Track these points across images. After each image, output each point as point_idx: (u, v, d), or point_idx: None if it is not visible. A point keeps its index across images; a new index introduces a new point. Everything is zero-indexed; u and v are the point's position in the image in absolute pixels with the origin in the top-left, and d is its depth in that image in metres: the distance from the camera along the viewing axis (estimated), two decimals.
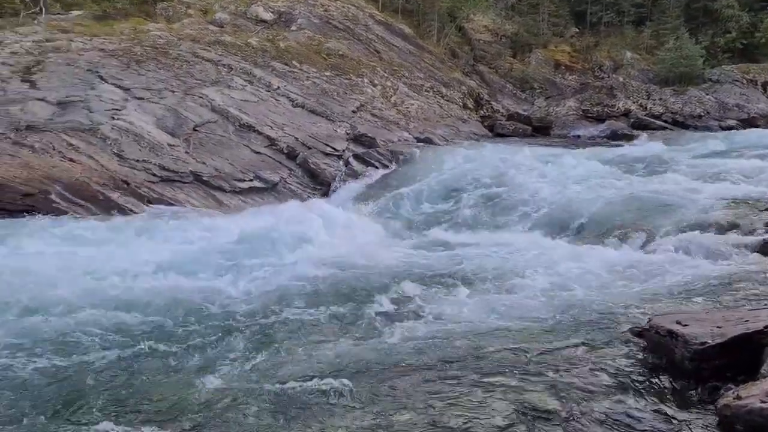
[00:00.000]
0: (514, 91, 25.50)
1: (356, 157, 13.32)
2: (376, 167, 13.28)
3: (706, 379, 3.79)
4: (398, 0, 26.76)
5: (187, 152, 11.78)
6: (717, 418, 3.38)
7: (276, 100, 14.43)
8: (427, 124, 17.16)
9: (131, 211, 10.32)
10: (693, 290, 5.79)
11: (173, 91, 13.14)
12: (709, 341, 3.82)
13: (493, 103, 22.99)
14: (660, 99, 25.33)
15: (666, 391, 3.88)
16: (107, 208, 10.25)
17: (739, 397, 3.20)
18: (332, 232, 9.09)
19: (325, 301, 6.14)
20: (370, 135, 14.24)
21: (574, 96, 25.66)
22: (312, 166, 12.58)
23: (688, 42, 26.96)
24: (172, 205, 10.76)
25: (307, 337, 5.29)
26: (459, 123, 18.84)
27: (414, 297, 6.18)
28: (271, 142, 12.78)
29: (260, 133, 12.88)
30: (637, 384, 3.98)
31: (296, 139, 13.06)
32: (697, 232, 7.66)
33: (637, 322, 4.86)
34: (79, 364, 4.80)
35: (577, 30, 31.16)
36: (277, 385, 4.28)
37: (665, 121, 23.84)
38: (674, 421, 3.53)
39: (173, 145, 11.78)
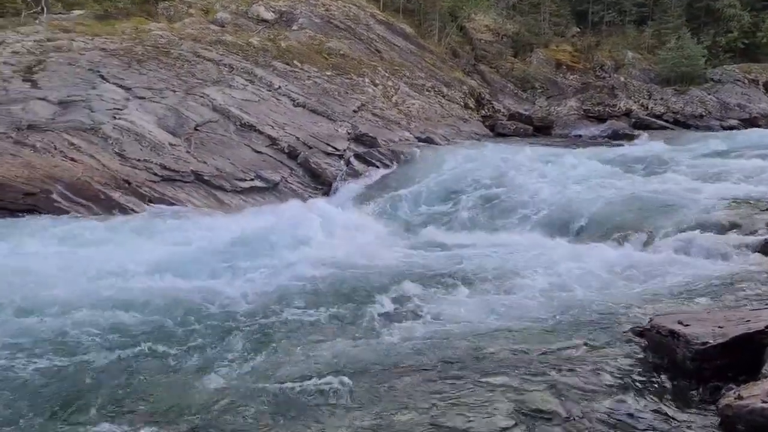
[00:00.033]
0: (516, 91, 25.48)
1: (357, 156, 13.32)
2: (377, 167, 13.26)
3: (708, 379, 3.79)
4: None
5: (188, 152, 11.79)
6: (718, 418, 3.37)
7: (277, 99, 14.43)
8: (428, 124, 17.15)
9: (132, 210, 10.33)
10: (694, 290, 5.77)
11: (174, 91, 13.15)
12: (711, 341, 3.82)
13: (494, 102, 22.97)
14: (661, 99, 25.32)
15: (667, 391, 3.88)
16: (109, 207, 10.26)
17: (740, 397, 3.19)
18: (333, 232, 9.09)
19: (324, 301, 6.12)
20: (371, 135, 14.24)
21: (575, 96, 25.64)
22: (313, 165, 12.58)
23: (690, 42, 26.93)
24: (173, 204, 10.77)
25: (306, 337, 5.27)
26: (460, 123, 18.83)
27: (414, 297, 6.16)
28: (273, 142, 12.78)
29: (261, 133, 12.89)
30: (638, 384, 3.97)
31: (297, 138, 13.06)
32: (698, 232, 7.63)
33: (638, 322, 4.85)
34: (75, 365, 4.77)
35: (579, 29, 31.14)
36: (276, 386, 4.28)
37: (666, 121, 23.82)
38: (675, 422, 3.52)
39: (174, 145, 11.79)
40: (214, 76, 14.17)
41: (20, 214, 9.72)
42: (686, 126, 23.41)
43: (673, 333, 4.04)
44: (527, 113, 22.57)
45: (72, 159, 10.77)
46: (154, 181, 11.01)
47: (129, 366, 4.79)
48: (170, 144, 11.75)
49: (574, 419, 3.57)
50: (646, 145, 16.87)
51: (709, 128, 22.48)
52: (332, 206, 11.00)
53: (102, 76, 12.84)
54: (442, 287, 6.51)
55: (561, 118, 23.43)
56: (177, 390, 4.34)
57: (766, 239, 7.02)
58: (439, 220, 10.38)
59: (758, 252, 6.85)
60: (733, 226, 7.72)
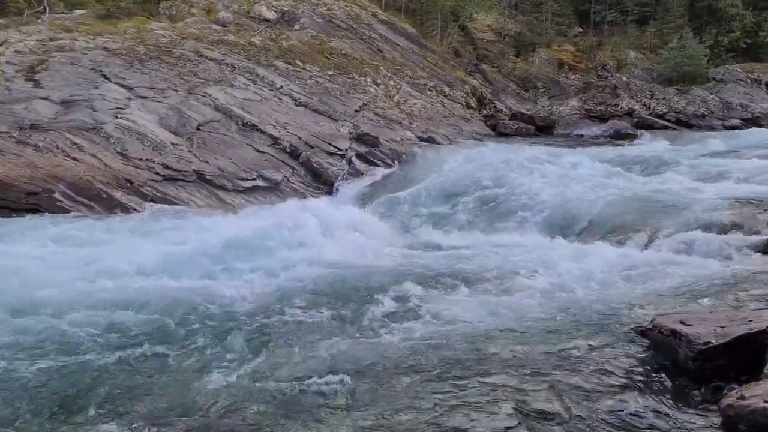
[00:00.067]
0: (517, 91, 25.47)
1: (359, 156, 13.32)
2: (379, 166, 13.27)
3: (710, 378, 3.78)
4: None
5: (190, 151, 11.80)
6: (720, 418, 3.37)
7: (279, 99, 14.43)
8: (430, 124, 17.15)
9: (134, 210, 10.34)
10: (696, 290, 5.76)
11: (176, 90, 13.16)
12: (713, 341, 3.81)
13: (496, 102, 22.97)
14: (663, 98, 25.28)
15: (669, 391, 3.87)
16: (110, 206, 10.28)
17: (742, 397, 3.19)
18: (334, 232, 9.08)
19: (324, 302, 6.11)
20: (372, 134, 14.23)
21: (577, 95, 25.63)
22: (315, 165, 12.58)
23: (692, 41, 26.88)
24: (175, 204, 10.77)
25: (306, 337, 5.26)
26: (462, 122, 18.82)
27: (414, 297, 6.15)
28: (274, 141, 12.78)
29: (263, 132, 12.89)
30: (640, 384, 3.97)
31: (299, 138, 13.06)
32: (700, 232, 7.63)
33: (639, 322, 4.85)
34: (74, 365, 4.76)
35: (581, 29, 31.12)
36: (276, 386, 4.27)
37: (669, 121, 23.80)
38: (677, 422, 3.52)
39: (176, 144, 11.80)
40: (216, 76, 14.19)
41: (23, 214, 9.73)
42: (688, 126, 23.39)
43: (675, 333, 4.04)
44: (529, 113, 22.57)
45: (74, 158, 10.78)
46: (156, 181, 11.02)
47: (128, 366, 4.78)
48: (172, 143, 11.76)
49: (576, 419, 3.57)
50: (648, 145, 16.87)
51: (712, 128, 22.46)
52: (333, 206, 10.99)
53: (104, 76, 12.86)
54: (442, 287, 6.49)
55: (563, 118, 23.43)
56: (176, 390, 4.34)
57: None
58: (440, 220, 10.37)
59: (760, 252, 6.84)
60: (735, 226, 7.70)
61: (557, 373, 4.16)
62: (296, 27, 19.76)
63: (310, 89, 15.47)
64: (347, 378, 4.27)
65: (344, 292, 6.44)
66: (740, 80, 26.19)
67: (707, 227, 7.74)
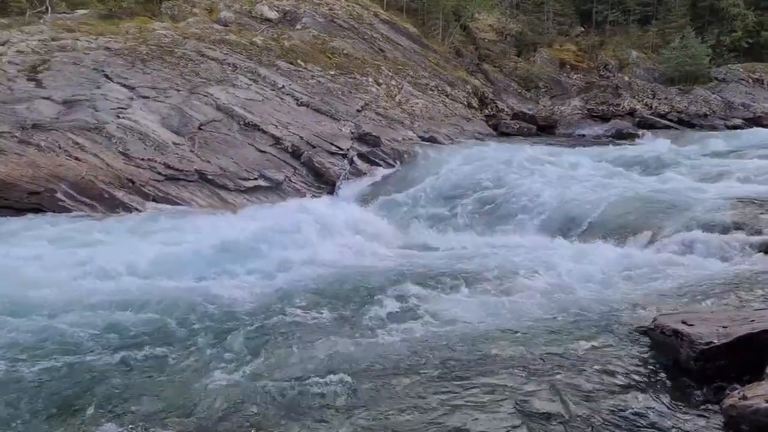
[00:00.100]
0: (519, 90, 25.45)
1: (361, 156, 13.32)
2: (381, 166, 13.27)
3: (712, 379, 3.78)
4: None
5: (192, 151, 11.80)
6: (723, 419, 3.37)
7: (281, 99, 14.44)
8: (431, 123, 17.14)
9: (136, 209, 10.35)
10: (698, 290, 5.75)
11: (178, 90, 13.17)
12: (715, 341, 3.81)
13: (497, 102, 22.95)
14: (665, 98, 25.24)
15: (671, 391, 3.87)
16: (112, 206, 10.29)
17: (744, 397, 3.19)
18: (334, 232, 9.08)
19: (324, 302, 6.10)
20: (374, 134, 14.23)
21: (579, 95, 25.60)
22: (316, 164, 12.59)
23: (694, 41, 26.83)
24: (177, 204, 10.78)
25: (305, 337, 5.26)
26: (463, 122, 18.82)
27: (414, 297, 6.14)
28: (276, 141, 12.79)
29: (265, 132, 12.89)
30: (642, 384, 3.96)
31: (301, 137, 13.06)
32: (701, 232, 7.61)
33: (641, 322, 4.84)
34: (73, 365, 4.75)
35: (583, 29, 31.08)
36: (276, 386, 4.27)
37: (671, 120, 23.76)
38: (679, 422, 3.51)
39: (178, 144, 11.80)
40: (218, 76, 14.19)
41: (25, 213, 9.75)
42: (690, 125, 23.35)
43: (677, 333, 4.04)
44: (531, 112, 22.55)
45: (76, 158, 10.80)
46: (158, 180, 11.03)
47: (127, 366, 4.77)
48: (174, 143, 11.76)
49: (577, 419, 3.56)
50: (649, 145, 16.83)
51: (714, 127, 22.41)
52: (334, 206, 10.99)
53: (106, 76, 12.87)
54: (442, 287, 6.49)
55: (565, 118, 23.41)
56: (176, 390, 4.33)
57: None
58: (440, 220, 10.35)
59: (762, 252, 6.83)
60: (737, 225, 7.67)
61: (558, 373, 4.15)
62: (298, 27, 19.76)
63: (311, 89, 15.47)
64: (347, 378, 4.27)
65: (344, 292, 6.43)
66: (742, 80, 26.15)
67: (709, 227, 7.72)
